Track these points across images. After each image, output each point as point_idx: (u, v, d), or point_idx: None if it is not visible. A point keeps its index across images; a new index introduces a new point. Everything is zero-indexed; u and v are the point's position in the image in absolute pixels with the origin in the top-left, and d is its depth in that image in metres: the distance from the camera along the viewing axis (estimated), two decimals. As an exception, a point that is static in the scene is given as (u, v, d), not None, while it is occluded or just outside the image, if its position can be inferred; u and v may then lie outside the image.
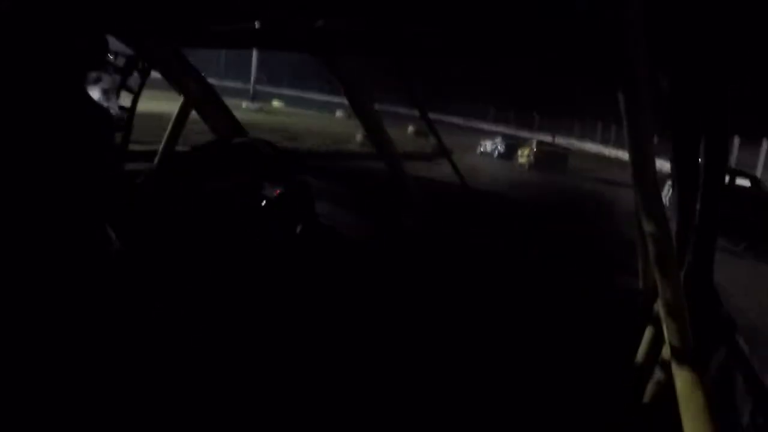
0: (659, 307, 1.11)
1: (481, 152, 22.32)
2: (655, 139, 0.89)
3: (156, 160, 2.08)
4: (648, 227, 0.97)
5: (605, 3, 0.67)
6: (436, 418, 1.63)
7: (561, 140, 28.40)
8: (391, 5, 0.98)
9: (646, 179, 0.91)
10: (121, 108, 1.79)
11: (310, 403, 1.62)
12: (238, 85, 32.08)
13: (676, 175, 0.99)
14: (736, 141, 15.77)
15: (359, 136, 14.73)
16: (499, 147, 22.34)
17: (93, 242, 1.09)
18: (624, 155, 0.93)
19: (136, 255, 1.14)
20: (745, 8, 0.66)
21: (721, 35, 0.71)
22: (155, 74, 1.93)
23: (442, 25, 1.09)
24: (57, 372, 0.99)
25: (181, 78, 1.98)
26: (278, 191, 1.85)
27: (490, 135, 25.59)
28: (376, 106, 1.75)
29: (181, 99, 2.10)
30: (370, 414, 1.64)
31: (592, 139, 29.82)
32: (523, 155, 20.25)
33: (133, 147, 1.97)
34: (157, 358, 1.38)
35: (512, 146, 22.14)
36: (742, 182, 9.98)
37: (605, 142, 28.06)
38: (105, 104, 1.72)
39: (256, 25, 1.38)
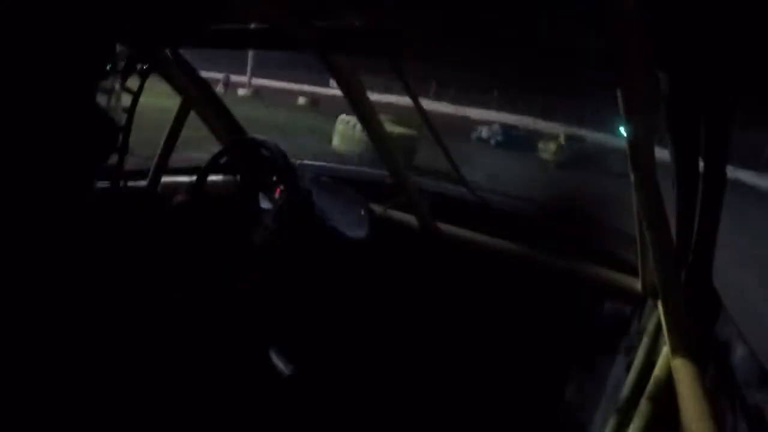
0: (659, 307, 1.11)
1: (478, 138, 21.22)
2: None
3: (155, 161, 2.08)
4: (648, 227, 0.97)
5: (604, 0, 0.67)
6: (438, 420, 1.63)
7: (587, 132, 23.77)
8: (392, 4, 0.98)
9: (645, 178, 0.91)
10: (123, 110, 1.78)
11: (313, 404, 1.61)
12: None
13: (676, 174, 0.99)
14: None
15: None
16: (497, 135, 21.13)
17: (89, 246, 1.08)
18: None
19: (139, 262, 1.14)
20: (745, 7, 0.66)
21: (721, 34, 0.70)
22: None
23: (439, 21, 1.09)
24: (56, 371, 0.98)
25: (180, 78, 1.97)
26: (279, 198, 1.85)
27: (482, 122, 23.80)
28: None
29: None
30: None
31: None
32: (548, 149, 18.29)
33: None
34: (158, 361, 1.38)
35: (514, 135, 20.69)
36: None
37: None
38: (105, 106, 1.72)
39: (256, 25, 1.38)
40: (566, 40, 0.88)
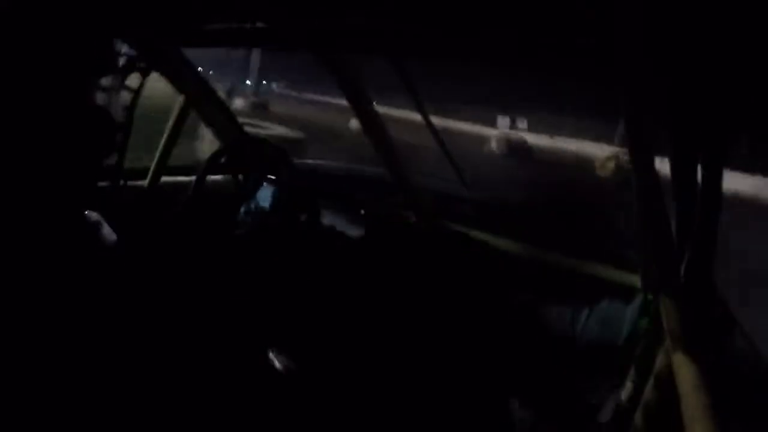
0: (659, 305, 1.11)
1: (490, 150, 21.98)
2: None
3: (155, 161, 2.08)
4: (648, 225, 0.97)
5: (605, 4, 0.67)
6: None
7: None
8: (392, 5, 0.98)
9: (645, 179, 0.91)
10: (123, 108, 1.78)
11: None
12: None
13: (676, 174, 0.99)
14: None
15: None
16: (502, 147, 22.05)
17: (86, 243, 1.08)
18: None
19: (140, 257, 1.14)
20: (747, 11, 0.66)
21: (722, 37, 0.71)
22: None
23: (440, 24, 1.09)
24: (51, 372, 0.98)
25: (181, 77, 1.97)
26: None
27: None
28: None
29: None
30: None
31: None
32: (606, 168, 18.05)
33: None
34: (155, 358, 1.38)
35: (519, 146, 21.80)
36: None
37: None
38: (106, 104, 1.72)
39: (257, 24, 1.38)
40: (567, 40, 0.89)
